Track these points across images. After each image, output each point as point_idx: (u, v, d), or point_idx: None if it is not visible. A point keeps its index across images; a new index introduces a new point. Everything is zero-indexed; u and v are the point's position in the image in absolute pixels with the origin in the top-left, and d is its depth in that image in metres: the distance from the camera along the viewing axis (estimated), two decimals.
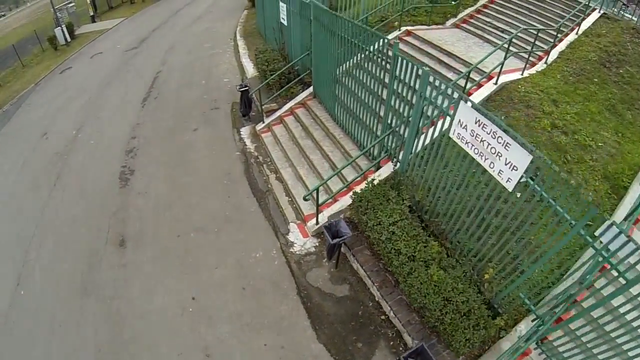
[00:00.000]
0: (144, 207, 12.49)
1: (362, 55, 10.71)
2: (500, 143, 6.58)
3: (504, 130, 6.49)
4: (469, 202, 8.05)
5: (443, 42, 15.19)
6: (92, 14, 42.35)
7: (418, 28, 16.70)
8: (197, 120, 16.07)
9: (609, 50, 14.31)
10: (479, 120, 6.98)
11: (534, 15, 17.26)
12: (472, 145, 7.31)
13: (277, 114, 15.05)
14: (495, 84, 12.19)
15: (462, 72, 12.98)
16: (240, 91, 15.05)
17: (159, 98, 18.54)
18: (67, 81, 24.70)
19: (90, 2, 43.77)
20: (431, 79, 8.25)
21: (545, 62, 13.91)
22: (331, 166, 12.19)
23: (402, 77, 9.25)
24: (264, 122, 14.98)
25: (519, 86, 12.34)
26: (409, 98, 9.57)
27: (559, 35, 14.23)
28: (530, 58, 13.60)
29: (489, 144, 6.85)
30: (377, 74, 10.29)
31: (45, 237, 12.16)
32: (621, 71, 13.71)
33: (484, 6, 18.49)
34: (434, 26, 17.34)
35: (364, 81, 11.04)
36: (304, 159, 12.99)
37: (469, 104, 7.16)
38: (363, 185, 10.11)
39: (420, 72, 8.54)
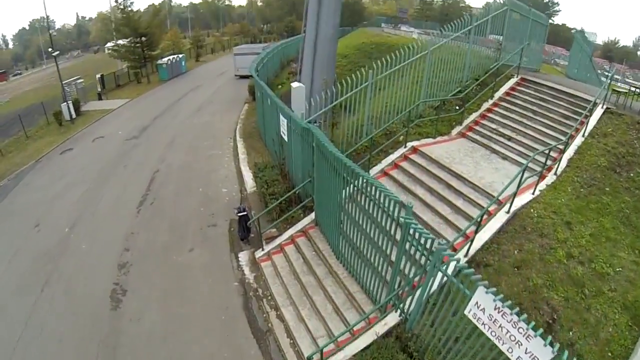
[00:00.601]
0: (136, 337, 11.27)
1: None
2: (521, 333, 6.04)
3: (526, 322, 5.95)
4: None
5: (450, 161, 14.55)
6: (99, 90, 42.97)
7: (424, 142, 16.05)
8: (193, 238, 15.12)
9: (617, 152, 13.72)
10: (498, 308, 6.39)
11: (538, 118, 16.75)
12: (490, 328, 6.61)
13: (278, 241, 14.05)
14: (508, 212, 11.51)
15: (471, 198, 12.49)
16: (239, 216, 14.37)
17: (155, 204, 17.61)
18: (67, 165, 24.22)
19: (99, 80, 44.60)
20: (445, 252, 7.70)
21: (555, 173, 13.26)
22: (334, 309, 11.13)
23: (413, 245, 8.53)
24: (263, 249, 13.94)
25: (532, 210, 11.68)
26: (421, 262, 8.70)
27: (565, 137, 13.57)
28: (541, 169, 12.66)
29: (508, 331, 6.25)
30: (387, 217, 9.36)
31: (28, 355, 11.04)
32: (632, 175, 13.07)
33: (489, 110, 18.10)
34: (439, 138, 16.69)
35: (371, 212, 9.92)
36: (305, 297, 11.96)
37: (490, 295, 6.74)
38: (368, 337, 9.37)
39: (434, 246, 8.01)
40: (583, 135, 14.70)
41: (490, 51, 20.69)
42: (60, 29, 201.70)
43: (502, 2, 19.98)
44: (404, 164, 15.08)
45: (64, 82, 36.85)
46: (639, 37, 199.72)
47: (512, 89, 19.19)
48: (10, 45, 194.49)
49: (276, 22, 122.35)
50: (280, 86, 33.86)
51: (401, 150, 15.64)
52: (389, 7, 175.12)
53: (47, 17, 50.38)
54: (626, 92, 17.13)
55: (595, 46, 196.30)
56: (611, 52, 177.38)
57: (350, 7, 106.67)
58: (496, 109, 18.15)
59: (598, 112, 15.77)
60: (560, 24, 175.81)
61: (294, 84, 19.85)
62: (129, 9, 46.81)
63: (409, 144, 15.77)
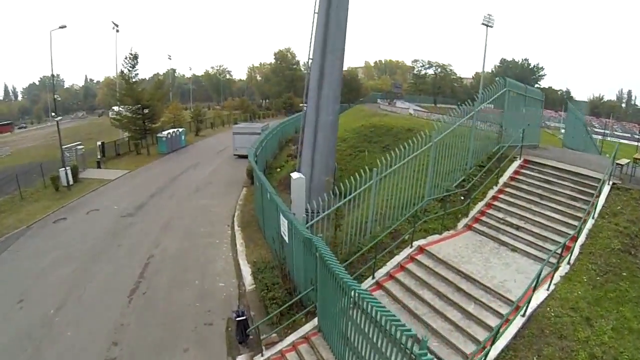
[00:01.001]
0: None
1: None
2: None
3: None
4: None
5: (459, 260, 13.99)
6: (99, 157, 42.94)
7: (430, 241, 15.49)
8: (188, 337, 14.17)
9: (629, 232, 13.25)
10: None
11: (545, 203, 16.32)
12: None
13: (278, 347, 13.12)
14: (524, 315, 10.79)
15: (483, 302, 11.86)
16: (237, 320, 13.61)
17: (148, 294, 16.77)
18: (59, 236, 23.60)
19: (99, 147, 44.67)
20: None
21: (569, 262, 12.70)
22: None
23: None
24: (262, 355, 13.01)
25: (548, 309, 10.97)
26: None
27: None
28: (553, 258, 12.09)
29: None
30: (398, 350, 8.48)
31: None
32: None
33: (494, 198, 17.71)
34: (446, 234, 16.14)
35: (380, 344, 8.98)
36: None
37: None
38: None
39: None
40: (593, 217, 14.33)
41: (492, 132, 20.97)
42: (69, 89, 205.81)
43: (501, 83, 20.41)
44: (411, 266, 14.57)
45: (64, 147, 36.93)
46: (622, 90, 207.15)
47: (516, 172, 18.99)
48: (20, 98, 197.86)
49: (275, 97, 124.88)
50: (279, 169, 33.96)
51: (407, 251, 15.12)
52: (384, 81, 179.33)
53: (54, 77, 50.99)
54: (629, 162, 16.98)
55: (581, 104, 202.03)
56: (597, 108, 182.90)
57: (347, 84, 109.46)
58: (502, 196, 17.84)
59: (605, 189, 15.54)
60: (547, 87, 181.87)
61: (294, 175, 19.78)
62: (133, 80, 48.08)
63: (415, 243, 15.29)
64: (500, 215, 16.77)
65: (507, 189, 18.14)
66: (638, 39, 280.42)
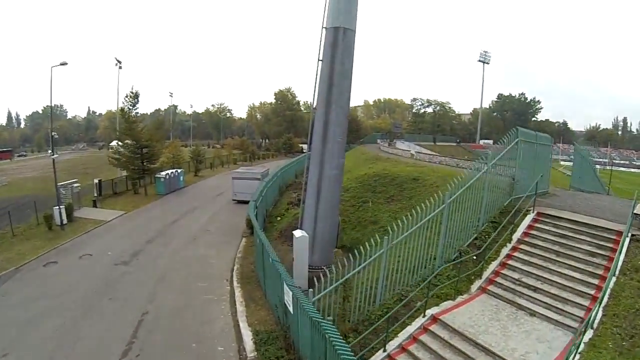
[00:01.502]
0: None
1: None
2: None
3: None
4: None
5: (475, 330, 13.09)
6: (95, 195, 42.08)
7: (444, 308, 14.57)
8: None
9: None
10: None
11: (562, 260, 15.59)
12: None
13: None
14: None
15: None
16: None
17: (141, 358, 15.80)
18: (49, 283, 22.37)
19: (96, 185, 43.79)
20: None
21: (592, 327, 11.70)
22: None
23: None
24: None
25: None
26: None
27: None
28: (574, 322, 11.82)
29: None
30: None
31: None
32: None
33: (509, 256, 16.86)
34: (459, 299, 15.26)
35: None
36: None
37: None
38: None
39: None
40: (614, 274, 13.40)
41: (504, 183, 20.19)
42: (71, 119, 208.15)
43: (514, 133, 19.84)
44: (424, 338, 13.61)
45: (60, 185, 36.09)
46: (617, 117, 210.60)
47: (530, 227, 18.19)
48: (22, 125, 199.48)
49: (275, 137, 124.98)
50: (279, 218, 32.99)
51: (420, 321, 14.19)
52: (383, 120, 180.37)
53: (53, 109, 50.40)
54: None
55: (577, 133, 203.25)
56: (594, 137, 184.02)
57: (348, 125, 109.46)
58: (516, 254, 16.96)
59: (625, 242, 14.66)
60: (544, 120, 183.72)
61: (297, 233, 18.91)
62: (133, 119, 47.52)
63: (428, 312, 14.41)
64: (516, 275, 15.94)
65: (522, 246, 17.35)
66: (630, 67, 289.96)
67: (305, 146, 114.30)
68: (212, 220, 35.64)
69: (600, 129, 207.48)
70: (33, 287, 21.79)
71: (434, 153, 55.41)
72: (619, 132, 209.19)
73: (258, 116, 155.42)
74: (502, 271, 16.41)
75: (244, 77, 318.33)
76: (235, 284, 22.09)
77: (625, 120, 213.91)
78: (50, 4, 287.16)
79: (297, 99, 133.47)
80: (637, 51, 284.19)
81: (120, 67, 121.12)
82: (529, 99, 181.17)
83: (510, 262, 16.72)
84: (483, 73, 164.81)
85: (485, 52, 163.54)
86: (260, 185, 33.81)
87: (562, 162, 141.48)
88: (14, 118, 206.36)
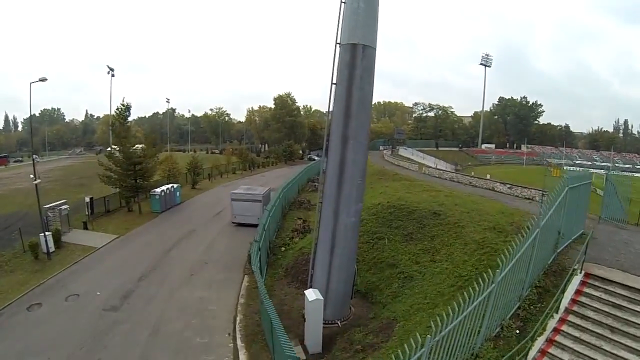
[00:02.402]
0: None
1: None
2: None
3: None
4: None
5: None
6: (87, 213, 39.58)
7: None
8: None
9: None
10: None
11: (617, 339, 13.07)
12: None
13: None
14: None
15: None
16: None
17: None
18: (31, 332, 20.05)
19: (88, 204, 41.20)
20: None
21: None
22: None
23: None
24: None
25: None
26: None
27: None
28: None
29: None
30: None
31: None
32: None
33: (556, 331, 14.03)
34: None
35: None
36: None
37: None
38: None
39: None
40: None
41: (551, 238, 17.13)
42: (68, 123, 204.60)
43: (564, 182, 17.04)
44: None
45: (47, 207, 33.72)
46: (618, 120, 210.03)
47: (578, 292, 15.26)
48: (20, 128, 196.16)
49: (274, 143, 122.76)
50: (283, 249, 30.44)
51: None
52: (384, 124, 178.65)
53: (30, 118, 47.88)
54: None
55: (578, 136, 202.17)
56: (597, 142, 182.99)
57: None
58: (565, 328, 14.17)
59: None
60: (546, 123, 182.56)
61: (309, 295, 16.42)
62: (124, 133, 44.65)
63: None
64: (566, 357, 13.21)
65: (571, 318, 14.48)
66: (628, 69, 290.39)
67: (313, 154, 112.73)
68: (210, 249, 32.90)
69: (602, 130, 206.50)
70: (14, 340, 19.47)
71: (444, 168, 52.84)
72: (621, 134, 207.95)
73: (257, 120, 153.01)
74: (549, 350, 13.69)
75: (243, 79, 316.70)
76: (239, 342, 19.29)
77: (626, 122, 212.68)
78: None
79: (296, 104, 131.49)
80: (632, 49, 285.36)
81: (112, 75, 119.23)
82: (530, 103, 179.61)
83: (558, 338, 13.96)
84: (485, 76, 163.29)
85: (487, 55, 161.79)
86: (262, 219, 30.84)
87: (565, 168, 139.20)
88: (11, 121, 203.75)
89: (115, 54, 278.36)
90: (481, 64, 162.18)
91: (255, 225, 36.31)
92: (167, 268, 28.88)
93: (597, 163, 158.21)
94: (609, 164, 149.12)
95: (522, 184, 40.41)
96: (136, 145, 47.50)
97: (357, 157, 17.20)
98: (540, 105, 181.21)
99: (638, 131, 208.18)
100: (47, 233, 30.60)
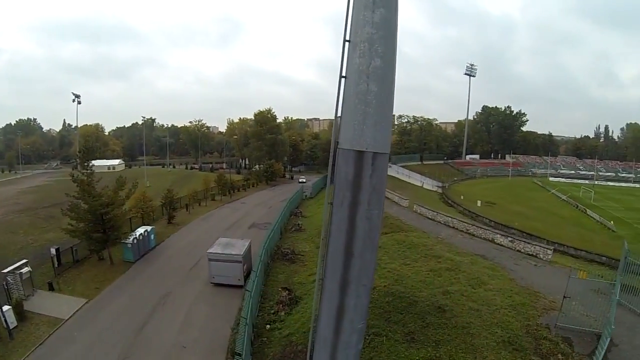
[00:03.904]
0: None
1: None
2: None
3: None
4: None
5: None
6: (53, 268, 36.39)
7: None
8: None
9: None
10: None
11: None
12: None
13: None
14: None
15: None
16: None
17: None
18: None
19: (54, 255, 38.05)
20: None
21: None
22: None
23: None
24: None
25: None
26: None
27: None
28: None
29: None
30: None
31: None
32: None
33: None
34: None
35: None
36: None
37: None
38: None
39: None
40: None
41: None
42: (45, 134, 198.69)
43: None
44: None
45: (5, 271, 31.04)
46: (599, 126, 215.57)
47: None
48: None
49: (255, 161, 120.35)
50: (268, 326, 27.62)
51: None
52: None
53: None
54: None
55: (559, 141, 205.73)
56: (580, 150, 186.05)
57: (325, 149, 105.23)
58: None
59: None
60: (529, 131, 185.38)
61: None
62: (87, 181, 39.75)
63: None
64: None
65: None
66: (605, 73, 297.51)
67: (300, 178, 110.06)
68: (188, 323, 29.10)
69: (584, 137, 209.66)
70: None
71: (431, 187, 50.44)
72: (602, 140, 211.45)
73: (236, 136, 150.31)
74: None
75: (226, 83, 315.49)
76: None
77: (607, 128, 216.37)
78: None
79: (277, 120, 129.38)
80: (608, 54, 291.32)
81: (79, 102, 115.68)
82: (514, 112, 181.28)
83: None
84: (469, 86, 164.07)
85: (472, 64, 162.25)
86: (244, 308, 27.09)
87: (551, 179, 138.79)
88: None
89: (95, 57, 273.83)
90: (466, 74, 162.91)
91: (236, 286, 33.82)
92: (142, 354, 25.90)
93: (581, 172, 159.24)
94: (592, 172, 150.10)
95: (524, 238, 38.37)
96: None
97: (359, 301, 13.61)
98: (524, 114, 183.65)
99: (618, 136, 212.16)
100: (5, 308, 27.55)
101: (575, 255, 48.11)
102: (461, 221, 44.10)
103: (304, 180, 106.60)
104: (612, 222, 68.73)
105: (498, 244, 38.02)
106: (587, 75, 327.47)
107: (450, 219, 44.85)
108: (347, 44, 11.28)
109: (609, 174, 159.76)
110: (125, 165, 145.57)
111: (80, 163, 42.24)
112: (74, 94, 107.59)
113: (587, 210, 79.66)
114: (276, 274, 36.95)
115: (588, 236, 60.92)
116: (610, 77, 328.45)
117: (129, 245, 41.67)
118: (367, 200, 12.08)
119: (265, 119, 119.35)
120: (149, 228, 47.13)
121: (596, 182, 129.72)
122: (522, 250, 35.79)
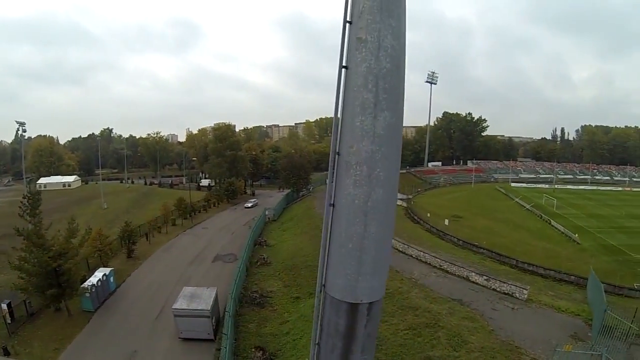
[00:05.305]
0: None
1: None
2: None
3: None
4: None
5: None
6: (6, 325, 34.01)
7: None
8: None
9: None
10: None
11: None
12: None
13: None
14: None
15: None
16: None
17: None
18: None
19: (5, 311, 35.55)
20: None
21: None
22: None
23: None
24: None
25: None
26: None
27: None
28: None
29: None
30: None
31: None
32: None
33: None
34: None
35: None
36: None
37: None
38: None
39: None
40: None
41: None
42: None
43: None
44: None
45: None
46: (555, 129, 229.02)
47: None
48: None
49: (215, 177, 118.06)
50: None
51: None
52: (327, 144, 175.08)
53: None
54: None
55: (518, 143, 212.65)
56: (539, 153, 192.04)
57: (291, 163, 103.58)
58: None
59: None
60: (490, 135, 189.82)
61: None
62: (35, 232, 36.13)
63: None
64: None
65: None
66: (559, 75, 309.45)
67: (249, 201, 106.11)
68: None
69: (541, 139, 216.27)
70: None
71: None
72: (558, 142, 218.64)
73: (195, 150, 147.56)
74: None
75: (183, 89, 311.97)
76: None
77: (563, 130, 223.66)
78: None
79: (237, 129, 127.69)
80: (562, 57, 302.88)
81: (24, 132, 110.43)
82: (475, 118, 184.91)
83: None
84: (430, 94, 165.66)
85: (433, 72, 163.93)
86: None
87: (512, 185, 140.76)
88: None
89: (48, 61, 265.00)
90: (427, 81, 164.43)
91: (206, 340, 32.71)
92: None
93: (541, 176, 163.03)
94: (552, 176, 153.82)
95: (500, 277, 38.05)
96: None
97: None
98: (485, 120, 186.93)
99: (574, 138, 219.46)
100: None
101: (545, 275, 48.91)
102: (434, 257, 43.50)
103: (254, 202, 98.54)
104: (576, 234, 69.94)
105: (473, 282, 37.72)
106: (543, 78, 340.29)
107: (422, 253, 44.27)
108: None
109: (567, 176, 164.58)
110: (82, 181, 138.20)
111: (28, 211, 37.48)
112: (17, 123, 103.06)
113: (551, 220, 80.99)
114: (246, 322, 35.49)
115: (554, 251, 61.84)
116: (563, 79, 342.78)
117: (87, 295, 38.93)
118: (361, 348, 10.75)
119: (224, 134, 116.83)
120: (107, 271, 43.81)
121: (556, 186, 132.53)
122: (498, 289, 35.59)
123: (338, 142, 6.86)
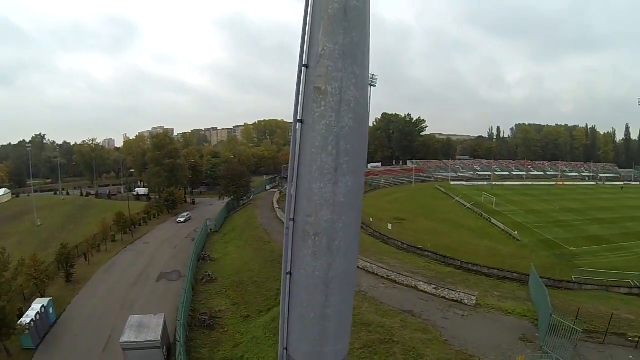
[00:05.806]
0: None
1: None
2: None
3: None
4: None
5: None
6: None
7: None
8: None
9: None
10: None
11: None
12: None
13: None
14: None
15: None
16: None
17: None
18: None
19: None
20: None
21: None
22: None
23: None
24: None
25: None
26: None
27: None
28: None
29: None
30: None
31: None
32: None
33: None
34: None
35: None
36: None
37: None
38: None
39: None
40: None
41: None
42: None
43: None
44: None
45: None
46: (492, 127, 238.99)
47: None
48: None
49: (154, 187, 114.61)
50: None
51: None
52: (266, 147, 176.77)
53: None
54: None
55: (455, 141, 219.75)
56: (477, 151, 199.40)
57: (234, 173, 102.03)
58: None
59: None
60: (429, 134, 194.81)
61: None
62: None
63: None
64: None
65: None
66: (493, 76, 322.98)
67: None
68: None
69: (479, 137, 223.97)
70: None
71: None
72: (494, 139, 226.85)
73: (135, 149, 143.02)
74: None
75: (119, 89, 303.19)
76: None
77: (499, 128, 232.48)
78: None
79: (175, 134, 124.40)
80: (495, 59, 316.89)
81: None
82: (414, 119, 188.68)
83: None
84: (369, 96, 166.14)
85: (372, 75, 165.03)
86: None
87: (452, 183, 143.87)
88: None
89: None
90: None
91: None
92: None
93: (479, 173, 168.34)
94: (489, 173, 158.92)
95: (448, 285, 38.53)
96: None
97: None
98: (424, 120, 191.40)
99: (509, 136, 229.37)
100: None
101: (489, 274, 50.75)
102: (380, 267, 43.57)
103: (187, 216, 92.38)
104: (516, 231, 72.19)
105: (422, 291, 37.98)
106: (478, 78, 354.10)
107: (368, 264, 44.24)
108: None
109: (504, 173, 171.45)
110: (12, 194, 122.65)
111: None
112: None
113: (491, 218, 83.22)
114: (198, 347, 34.31)
115: (496, 249, 63.65)
116: (498, 79, 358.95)
117: (27, 332, 35.63)
118: None
119: (162, 142, 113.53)
120: (45, 301, 40.41)
121: (494, 183, 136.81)
122: (447, 297, 36.04)
123: (293, 208, 6.36)
